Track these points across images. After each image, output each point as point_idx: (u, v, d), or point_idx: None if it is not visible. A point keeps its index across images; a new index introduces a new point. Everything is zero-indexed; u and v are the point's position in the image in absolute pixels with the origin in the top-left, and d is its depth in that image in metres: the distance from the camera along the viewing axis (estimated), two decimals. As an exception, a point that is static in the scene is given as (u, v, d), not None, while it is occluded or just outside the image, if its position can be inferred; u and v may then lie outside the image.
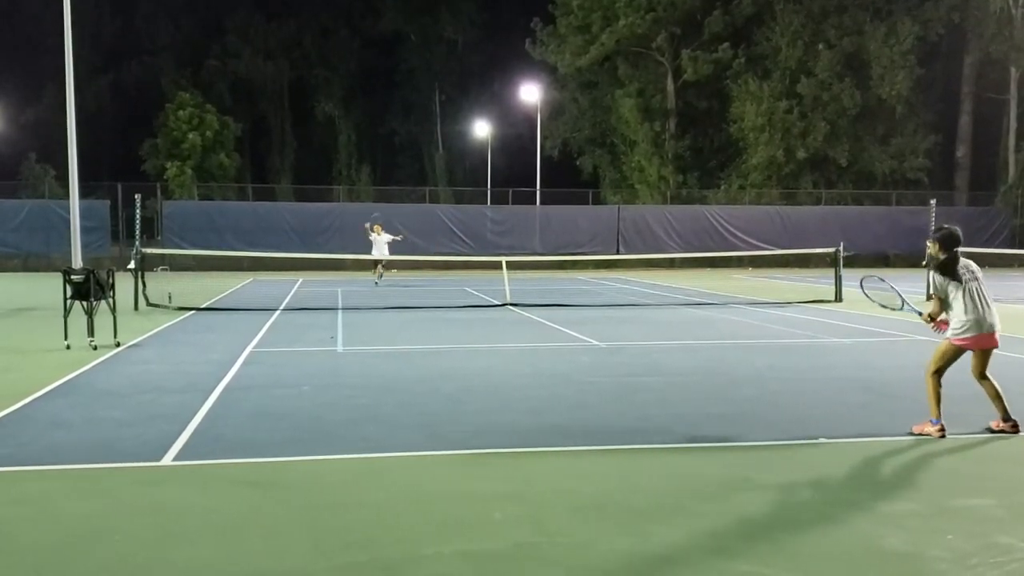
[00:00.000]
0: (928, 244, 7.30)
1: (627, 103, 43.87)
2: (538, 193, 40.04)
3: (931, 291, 7.14)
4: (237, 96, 54.38)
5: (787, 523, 4.92)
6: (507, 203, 38.60)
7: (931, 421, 6.94)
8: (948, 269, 6.91)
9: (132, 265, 17.41)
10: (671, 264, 35.05)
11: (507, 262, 20.48)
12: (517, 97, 45.11)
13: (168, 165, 44.79)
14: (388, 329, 14.14)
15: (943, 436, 6.82)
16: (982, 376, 7.06)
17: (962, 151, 44.10)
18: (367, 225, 23.81)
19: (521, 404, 8.15)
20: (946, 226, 7.15)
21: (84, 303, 11.71)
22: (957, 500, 5.36)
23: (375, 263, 24.16)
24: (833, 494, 5.45)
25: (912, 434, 6.95)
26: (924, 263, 6.99)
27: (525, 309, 17.27)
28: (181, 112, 45.48)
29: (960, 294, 6.87)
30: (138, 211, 18.93)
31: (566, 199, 37.82)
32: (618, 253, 34.07)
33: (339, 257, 27.59)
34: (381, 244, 23.49)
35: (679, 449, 6.59)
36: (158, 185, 37.37)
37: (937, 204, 21.49)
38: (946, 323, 7.03)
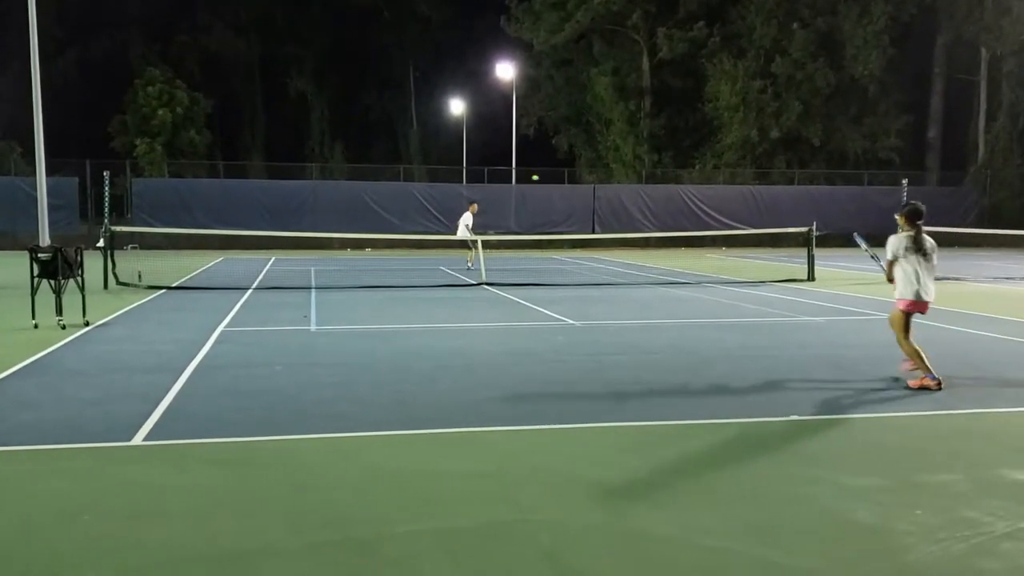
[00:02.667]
0: (897, 217, 8.17)
1: (602, 81, 43.73)
2: (514, 172, 39.88)
3: (889, 257, 8.03)
4: (207, 72, 53.44)
5: (758, 499, 4.96)
6: (483, 182, 38.43)
7: (927, 376, 7.76)
8: (916, 241, 7.87)
9: (101, 243, 17.22)
10: (646, 244, 35.13)
11: (482, 241, 20.41)
12: (492, 74, 44.73)
13: (138, 142, 44.12)
14: (362, 308, 14.08)
15: (940, 388, 7.67)
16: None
17: (933, 131, 44.53)
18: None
19: (495, 382, 8.16)
20: (912, 202, 8.20)
21: (52, 282, 11.55)
22: (925, 475, 5.44)
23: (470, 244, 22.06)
24: (803, 470, 5.51)
25: (910, 388, 7.78)
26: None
27: (500, 288, 17.26)
28: (150, 88, 44.73)
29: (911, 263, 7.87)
30: (107, 188, 18.68)
31: (542, 178, 37.72)
32: (593, 232, 34.09)
33: (313, 235, 27.31)
34: (466, 225, 21.95)
35: (652, 427, 6.63)
36: (127, 162, 36.86)
37: (908, 184, 21.73)
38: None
